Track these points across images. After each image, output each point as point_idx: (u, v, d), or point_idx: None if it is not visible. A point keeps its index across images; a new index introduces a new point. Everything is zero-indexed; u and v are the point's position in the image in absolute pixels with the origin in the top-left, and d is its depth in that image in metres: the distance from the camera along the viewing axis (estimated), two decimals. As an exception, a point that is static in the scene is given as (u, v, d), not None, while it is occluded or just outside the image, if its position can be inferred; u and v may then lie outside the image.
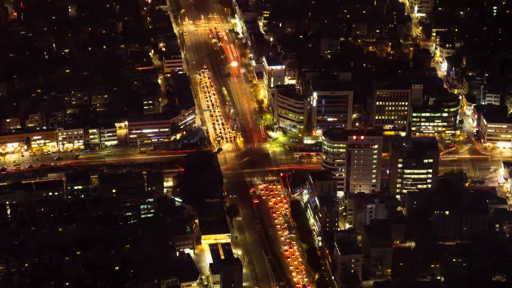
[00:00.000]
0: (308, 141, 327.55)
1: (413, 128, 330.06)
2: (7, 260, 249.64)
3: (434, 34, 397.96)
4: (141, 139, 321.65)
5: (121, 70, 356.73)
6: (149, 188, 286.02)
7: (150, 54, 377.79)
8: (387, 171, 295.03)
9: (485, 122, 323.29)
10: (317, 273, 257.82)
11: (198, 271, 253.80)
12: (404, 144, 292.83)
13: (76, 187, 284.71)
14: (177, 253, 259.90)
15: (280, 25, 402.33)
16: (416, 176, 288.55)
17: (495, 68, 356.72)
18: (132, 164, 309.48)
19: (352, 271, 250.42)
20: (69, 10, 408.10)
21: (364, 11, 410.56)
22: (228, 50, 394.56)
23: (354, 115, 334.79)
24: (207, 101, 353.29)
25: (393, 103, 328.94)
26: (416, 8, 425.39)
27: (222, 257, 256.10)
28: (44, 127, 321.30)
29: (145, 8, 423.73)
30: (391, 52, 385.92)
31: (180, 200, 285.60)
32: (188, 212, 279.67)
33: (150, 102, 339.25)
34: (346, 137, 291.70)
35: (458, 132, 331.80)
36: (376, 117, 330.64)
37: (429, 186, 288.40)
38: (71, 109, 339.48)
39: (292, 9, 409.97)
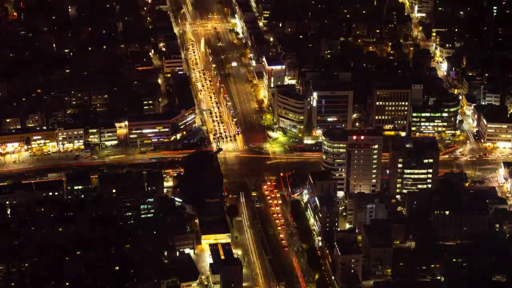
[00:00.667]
0: (308, 141, 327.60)
1: (413, 128, 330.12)
2: (7, 260, 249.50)
3: (434, 34, 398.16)
4: (141, 139, 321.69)
5: (121, 70, 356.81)
6: (149, 188, 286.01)
7: (150, 54, 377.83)
8: (387, 171, 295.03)
9: (485, 122, 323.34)
10: (317, 273, 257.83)
11: (198, 271, 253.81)
12: (407, 145, 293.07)
13: (76, 187, 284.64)
14: (177, 253, 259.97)
15: (280, 25, 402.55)
16: (416, 176, 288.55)
17: (495, 68, 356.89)
18: (132, 164, 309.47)
19: (352, 271, 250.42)
20: (69, 10, 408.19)
21: (364, 11, 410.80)
22: (228, 50, 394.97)
23: (354, 115, 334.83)
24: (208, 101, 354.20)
25: (393, 103, 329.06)
26: (416, 8, 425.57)
27: (222, 257, 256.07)
28: (44, 127, 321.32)
29: (145, 8, 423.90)
30: (391, 52, 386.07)
31: (180, 200, 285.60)
32: (188, 212, 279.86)
33: (150, 102, 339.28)
34: (346, 137, 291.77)
35: (458, 132, 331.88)
36: (376, 117, 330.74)
37: (429, 186, 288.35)
38: (71, 109, 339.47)
39: (292, 9, 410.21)
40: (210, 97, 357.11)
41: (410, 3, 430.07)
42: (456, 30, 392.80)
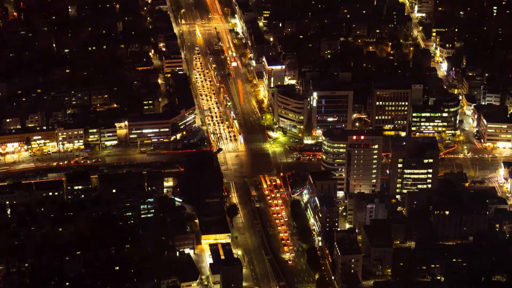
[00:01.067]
0: (308, 141, 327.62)
1: (413, 128, 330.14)
2: (7, 260, 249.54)
3: (434, 34, 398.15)
4: (141, 139, 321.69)
5: (121, 70, 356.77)
6: (149, 188, 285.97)
7: (150, 54, 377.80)
8: (387, 171, 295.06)
9: (485, 122, 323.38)
10: (317, 273, 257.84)
11: (198, 271, 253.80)
12: (404, 143, 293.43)
13: (76, 187, 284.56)
14: (177, 253, 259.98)
15: (280, 25, 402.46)
16: (416, 176, 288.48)
17: (495, 68, 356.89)
18: (132, 164, 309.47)
19: (352, 271, 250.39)
20: (69, 10, 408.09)
21: (364, 11, 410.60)
22: (228, 50, 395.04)
23: (354, 115, 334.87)
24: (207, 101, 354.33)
25: (393, 103, 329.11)
26: (416, 8, 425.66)
27: (222, 257, 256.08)
28: (44, 127, 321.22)
29: (145, 8, 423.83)
30: (391, 52, 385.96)
31: (180, 200, 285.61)
32: (188, 212, 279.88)
33: (150, 102, 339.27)
34: (346, 137, 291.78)
35: (458, 132, 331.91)
36: (376, 117, 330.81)
37: (429, 186, 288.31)
38: (71, 109, 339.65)
39: (292, 9, 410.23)
40: (210, 97, 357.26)
41: (410, 3, 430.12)
42: (456, 30, 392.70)
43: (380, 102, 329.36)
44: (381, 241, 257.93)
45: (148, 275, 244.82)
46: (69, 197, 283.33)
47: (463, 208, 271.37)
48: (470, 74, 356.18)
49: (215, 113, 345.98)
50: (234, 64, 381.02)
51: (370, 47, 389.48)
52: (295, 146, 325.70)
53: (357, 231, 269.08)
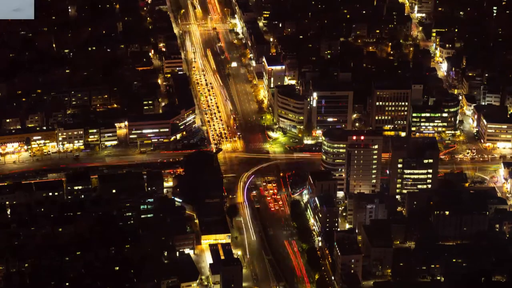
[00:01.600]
0: (308, 141, 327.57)
1: (413, 128, 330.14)
2: (7, 260, 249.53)
3: (434, 34, 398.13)
4: (141, 139, 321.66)
5: (121, 70, 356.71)
6: (149, 188, 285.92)
7: (150, 54, 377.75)
8: (387, 171, 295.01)
9: (485, 122, 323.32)
10: (317, 273, 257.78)
11: (198, 271, 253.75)
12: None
13: (76, 187, 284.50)
14: (177, 253, 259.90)
15: (280, 25, 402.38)
16: (416, 176, 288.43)
17: (495, 68, 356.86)
18: (132, 164, 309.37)
19: (352, 271, 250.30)
20: (69, 10, 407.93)
21: (364, 11, 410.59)
22: (228, 50, 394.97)
23: (354, 115, 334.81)
24: (207, 101, 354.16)
25: (393, 103, 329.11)
26: (416, 8, 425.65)
27: (222, 257, 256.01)
28: (44, 127, 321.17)
29: (145, 8, 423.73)
30: (391, 52, 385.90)
31: (180, 200, 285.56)
32: (188, 212, 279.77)
33: (150, 102, 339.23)
34: (346, 137, 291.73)
35: (458, 132, 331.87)
36: (376, 117, 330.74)
37: (429, 186, 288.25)
38: (71, 109, 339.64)
39: (292, 9, 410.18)
40: (210, 97, 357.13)
41: (410, 3, 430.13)
42: (456, 30, 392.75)
43: (380, 102, 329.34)
44: (381, 241, 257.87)
45: (148, 275, 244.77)
46: (69, 197, 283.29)
47: (463, 208, 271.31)
48: (470, 74, 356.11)
49: (215, 113, 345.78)
50: (234, 64, 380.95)
51: (370, 47, 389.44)
52: (295, 146, 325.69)
53: (357, 231, 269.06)
